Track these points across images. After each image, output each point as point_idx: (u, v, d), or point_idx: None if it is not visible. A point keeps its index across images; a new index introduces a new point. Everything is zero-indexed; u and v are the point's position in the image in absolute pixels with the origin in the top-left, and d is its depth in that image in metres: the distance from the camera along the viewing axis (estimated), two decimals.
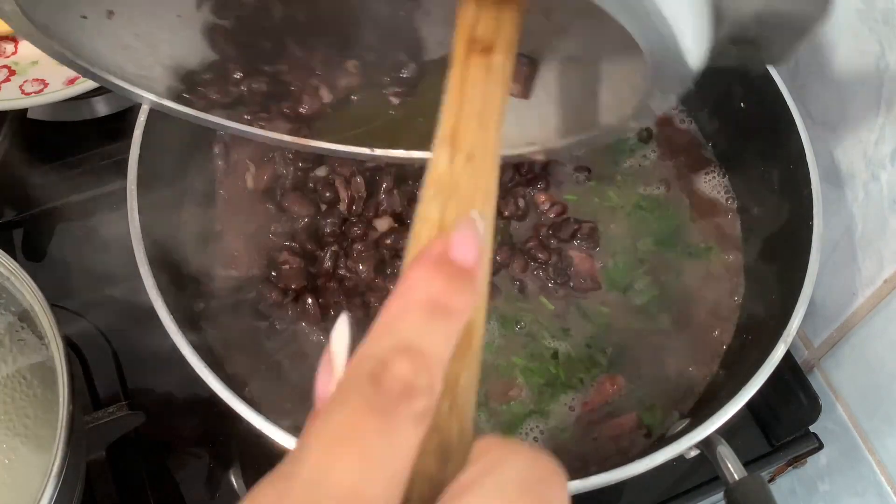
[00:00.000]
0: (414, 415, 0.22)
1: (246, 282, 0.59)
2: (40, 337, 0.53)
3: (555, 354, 0.58)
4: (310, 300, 0.57)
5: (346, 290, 0.58)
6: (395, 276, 0.58)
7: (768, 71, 0.59)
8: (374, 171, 0.61)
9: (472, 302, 0.26)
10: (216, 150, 0.63)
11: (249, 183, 0.63)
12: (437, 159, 0.30)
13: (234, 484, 0.64)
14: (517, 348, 0.58)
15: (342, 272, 0.58)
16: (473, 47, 0.33)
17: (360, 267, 0.58)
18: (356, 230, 0.59)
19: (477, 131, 0.31)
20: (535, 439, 0.55)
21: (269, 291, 0.58)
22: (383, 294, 0.58)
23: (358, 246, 0.58)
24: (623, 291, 0.61)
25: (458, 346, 0.26)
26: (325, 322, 0.57)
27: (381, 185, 0.60)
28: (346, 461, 0.21)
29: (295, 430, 0.46)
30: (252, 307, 0.58)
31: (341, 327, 0.27)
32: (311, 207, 0.60)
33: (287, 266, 0.58)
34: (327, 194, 0.60)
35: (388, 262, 0.59)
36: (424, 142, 0.32)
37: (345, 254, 0.59)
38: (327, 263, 0.58)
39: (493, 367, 0.57)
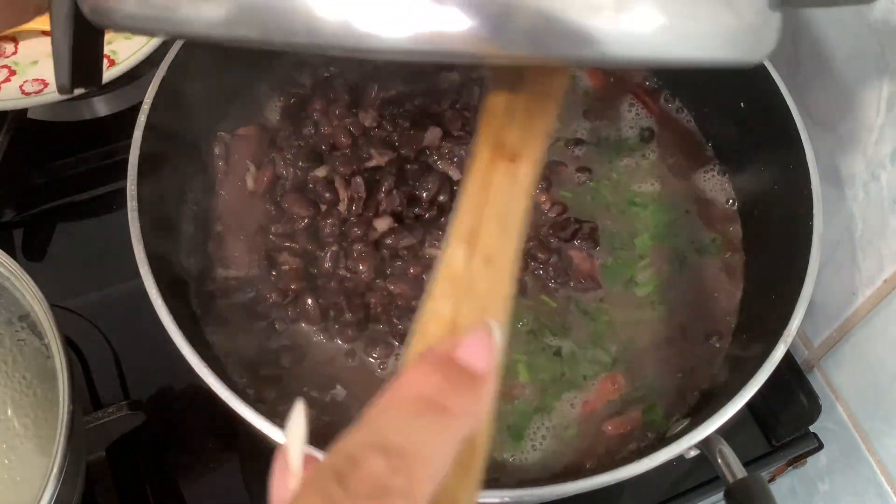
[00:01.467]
0: None
1: (246, 282, 0.59)
2: (40, 337, 0.53)
3: (557, 352, 0.58)
4: (310, 301, 0.57)
5: (347, 291, 0.58)
6: (394, 277, 0.58)
7: (768, 71, 0.59)
8: (373, 171, 0.61)
9: (475, 409, 0.23)
10: (216, 150, 0.63)
11: (249, 184, 0.63)
12: (452, 255, 0.29)
13: (234, 484, 0.64)
14: (518, 345, 0.58)
15: (342, 272, 0.58)
16: (499, 152, 0.32)
17: (361, 267, 0.58)
18: (356, 231, 0.59)
19: (498, 236, 0.29)
20: (544, 437, 0.55)
21: (268, 292, 0.58)
22: (384, 295, 0.58)
23: (358, 246, 0.58)
24: (625, 286, 0.61)
25: (458, 464, 0.22)
26: (325, 323, 0.57)
27: (381, 186, 0.60)
28: None
29: None
30: (252, 307, 0.58)
31: (297, 419, 0.24)
32: (310, 208, 0.60)
33: (287, 267, 0.58)
34: (327, 195, 0.60)
35: (388, 262, 0.59)
36: None
37: (345, 254, 0.59)
38: (327, 264, 0.58)
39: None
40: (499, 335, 0.26)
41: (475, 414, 0.23)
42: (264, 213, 0.61)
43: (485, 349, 0.24)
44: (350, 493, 0.19)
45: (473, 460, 0.24)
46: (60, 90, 0.39)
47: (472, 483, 0.24)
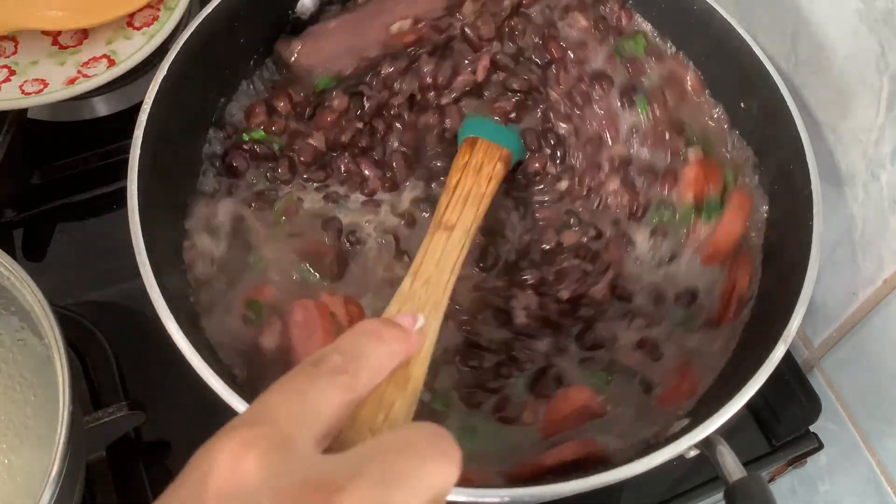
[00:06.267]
0: (334, 383, 0.32)
1: None
2: (40, 337, 0.53)
3: None
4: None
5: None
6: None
7: (768, 71, 0.59)
8: None
9: (402, 341, 0.37)
10: (218, 150, 0.63)
11: None
12: (402, 286, 0.45)
13: None
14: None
15: None
16: (440, 226, 0.50)
17: None
18: None
19: (434, 269, 0.47)
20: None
21: None
22: None
23: None
24: None
25: (395, 380, 0.36)
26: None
27: None
28: (283, 395, 0.31)
29: None
30: None
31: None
32: None
33: None
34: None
35: None
36: None
37: None
38: None
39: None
40: (422, 321, 0.41)
41: (400, 344, 0.37)
42: None
43: (410, 319, 0.40)
44: (317, 368, 0.32)
45: (407, 383, 0.37)
46: None
47: (409, 395, 0.37)
